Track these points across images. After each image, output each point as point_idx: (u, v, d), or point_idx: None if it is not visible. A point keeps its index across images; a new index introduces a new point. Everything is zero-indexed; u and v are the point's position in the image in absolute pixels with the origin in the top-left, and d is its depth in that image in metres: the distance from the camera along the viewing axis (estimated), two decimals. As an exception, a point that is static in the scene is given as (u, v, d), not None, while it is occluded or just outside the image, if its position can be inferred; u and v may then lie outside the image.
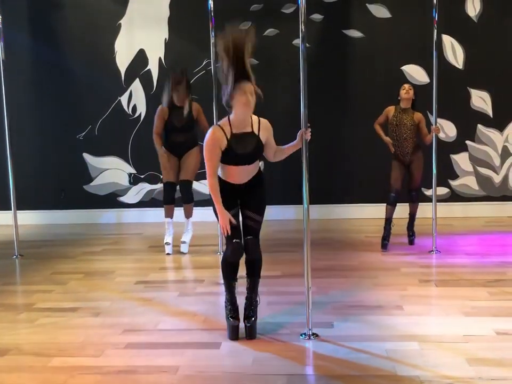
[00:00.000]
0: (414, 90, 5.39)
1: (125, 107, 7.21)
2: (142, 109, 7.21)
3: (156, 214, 7.24)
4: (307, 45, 3.50)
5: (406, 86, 5.41)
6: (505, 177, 6.92)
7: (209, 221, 6.49)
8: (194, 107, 5.51)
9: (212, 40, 5.42)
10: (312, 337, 3.38)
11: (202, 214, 7.03)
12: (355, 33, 6.88)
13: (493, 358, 3.03)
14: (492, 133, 6.86)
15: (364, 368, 2.99)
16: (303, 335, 3.40)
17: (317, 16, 6.82)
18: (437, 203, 5.76)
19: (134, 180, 7.32)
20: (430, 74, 6.15)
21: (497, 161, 6.92)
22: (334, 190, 7.07)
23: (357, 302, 4.03)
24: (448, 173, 6.92)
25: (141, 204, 7.33)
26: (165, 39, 7.10)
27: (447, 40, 6.77)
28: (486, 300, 3.89)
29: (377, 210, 6.96)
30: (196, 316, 3.83)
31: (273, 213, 6.75)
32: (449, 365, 2.98)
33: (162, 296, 4.28)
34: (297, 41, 3.49)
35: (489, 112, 6.84)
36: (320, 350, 3.24)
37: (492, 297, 3.95)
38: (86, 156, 7.31)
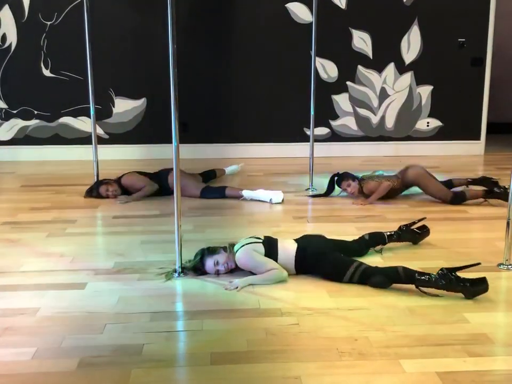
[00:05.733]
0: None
1: (-7, 36, 6.66)
2: (12, 39, 6.66)
3: (30, 152, 6.87)
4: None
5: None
6: (382, 118, 7.15)
7: (86, 159, 6.27)
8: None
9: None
10: (181, 274, 3.38)
11: (80, 152, 6.77)
12: (240, -33, 6.69)
13: (351, 290, 3.18)
14: (371, 74, 7.03)
15: (230, 302, 3.04)
16: (172, 273, 3.38)
17: None
18: (318, 143, 5.90)
19: (5, 116, 6.84)
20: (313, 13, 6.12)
21: (375, 103, 7.12)
22: (220, 130, 7.01)
23: (231, 239, 4.02)
24: (329, 113, 7.06)
25: (13, 141, 6.89)
26: (37, -38, 6.54)
27: (330, -22, 6.76)
28: (352, 235, 4.02)
29: (262, 149, 7.03)
30: (63, 256, 3.70)
31: (156, 153, 6.61)
32: (311, 297, 3.09)
33: (30, 237, 4.08)
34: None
35: (369, 53, 6.98)
36: (189, 286, 3.25)
37: (359, 232, 4.10)
38: (-50, 89, 6.73)
